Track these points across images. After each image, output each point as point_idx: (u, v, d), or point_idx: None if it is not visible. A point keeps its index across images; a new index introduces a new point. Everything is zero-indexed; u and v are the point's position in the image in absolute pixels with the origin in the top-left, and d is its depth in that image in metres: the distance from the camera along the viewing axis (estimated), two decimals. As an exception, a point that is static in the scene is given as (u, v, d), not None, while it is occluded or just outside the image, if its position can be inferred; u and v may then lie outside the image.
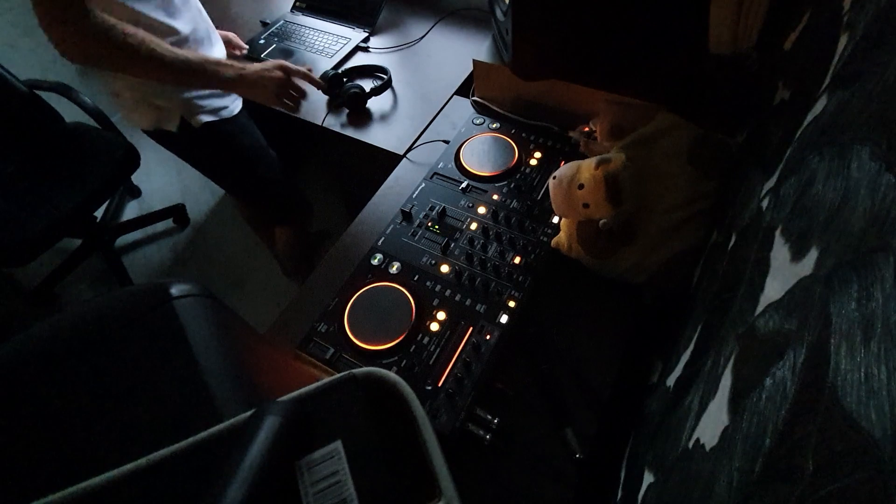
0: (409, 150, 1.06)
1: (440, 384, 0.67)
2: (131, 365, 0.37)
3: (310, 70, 1.09)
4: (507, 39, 0.86)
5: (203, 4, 1.05)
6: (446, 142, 1.00)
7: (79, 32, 0.73)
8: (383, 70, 1.22)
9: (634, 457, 0.62)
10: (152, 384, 0.37)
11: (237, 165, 1.20)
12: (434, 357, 0.70)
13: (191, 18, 0.97)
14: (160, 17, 0.90)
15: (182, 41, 0.94)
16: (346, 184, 1.49)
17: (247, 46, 1.30)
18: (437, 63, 1.26)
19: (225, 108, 1.09)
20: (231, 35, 1.26)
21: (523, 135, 0.97)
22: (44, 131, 1.59)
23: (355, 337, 0.72)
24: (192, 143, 1.08)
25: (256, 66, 0.98)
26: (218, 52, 1.08)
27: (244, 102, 1.16)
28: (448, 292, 0.76)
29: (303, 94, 1.08)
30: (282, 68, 1.01)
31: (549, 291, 0.79)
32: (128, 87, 0.97)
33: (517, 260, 0.79)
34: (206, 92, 1.03)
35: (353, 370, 0.36)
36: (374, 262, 0.81)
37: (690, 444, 0.41)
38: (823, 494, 0.22)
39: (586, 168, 0.72)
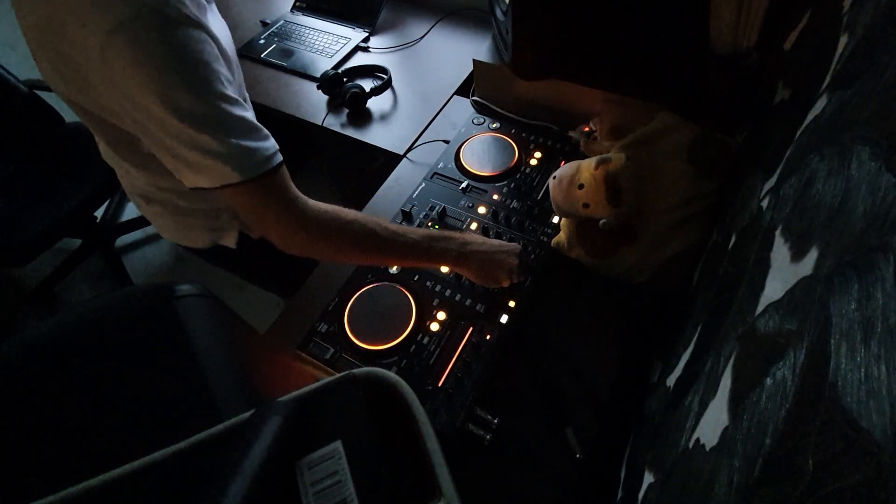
0: (409, 150, 1.06)
1: (440, 384, 0.67)
2: (132, 365, 0.37)
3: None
4: (507, 39, 0.86)
5: None
6: (446, 142, 1.00)
7: (300, 223, 0.63)
8: (383, 70, 1.22)
9: (634, 457, 0.62)
10: (153, 384, 0.37)
11: (290, 264, 1.12)
12: (434, 357, 0.70)
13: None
14: None
15: None
16: (347, 184, 1.49)
17: None
18: (437, 63, 1.26)
19: None
20: None
21: (523, 135, 0.97)
22: (44, 131, 1.59)
23: (355, 337, 0.72)
24: (251, 256, 0.93)
25: (485, 242, 0.75)
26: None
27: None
28: (448, 292, 0.76)
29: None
30: (520, 255, 0.77)
31: (549, 291, 0.79)
32: (189, 215, 0.87)
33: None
34: None
35: (353, 370, 0.36)
36: (374, 262, 0.81)
37: (690, 444, 0.41)
38: (823, 494, 0.22)
39: (586, 168, 0.72)
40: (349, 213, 0.67)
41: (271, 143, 0.62)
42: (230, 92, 0.57)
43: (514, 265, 0.74)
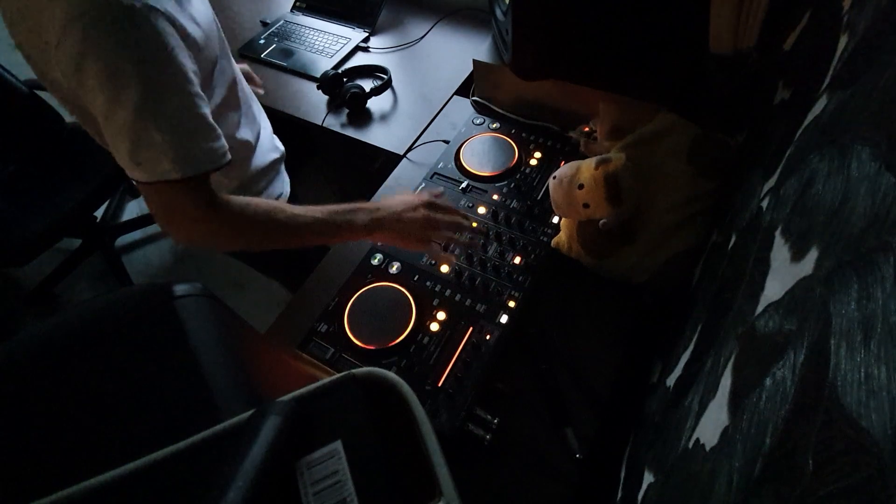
0: (409, 150, 1.06)
1: (440, 384, 0.67)
2: (132, 365, 0.37)
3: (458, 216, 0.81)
4: (507, 39, 0.86)
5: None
6: (446, 142, 1.00)
7: (217, 224, 0.63)
8: (383, 70, 1.22)
9: (634, 457, 0.62)
10: (153, 384, 0.37)
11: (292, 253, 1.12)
12: (434, 357, 0.70)
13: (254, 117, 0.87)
14: (244, 134, 0.83)
15: (255, 144, 0.87)
16: (347, 184, 1.49)
17: (261, 81, 1.07)
18: (437, 63, 1.26)
19: (281, 194, 0.99)
20: (245, 67, 1.06)
21: (523, 135, 0.97)
22: (44, 131, 1.59)
23: (355, 337, 0.72)
24: None
25: (395, 203, 0.75)
26: (264, 125, 0.96)
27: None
28: (448, 292, 0.76)
29: (455, 231, 0.79)
30: (428, 205, 0.76)
31: (549, 291, 0.79)
32: None
33: (517, 260, 0.79)
34: (265, 181, 0.93)
35: (353, 370, 0.36)
36: (374, 262, 0.81)
37: (690, 444, 0.41)
38: (823, 494, 0.22)
39: (586, 168, 0.72)
40: (249, 201, 0.67)
41: (221, 144, 0.62)
42: (189, 87, 0.58)
43: (426, 218, 0.74)
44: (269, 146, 0.95)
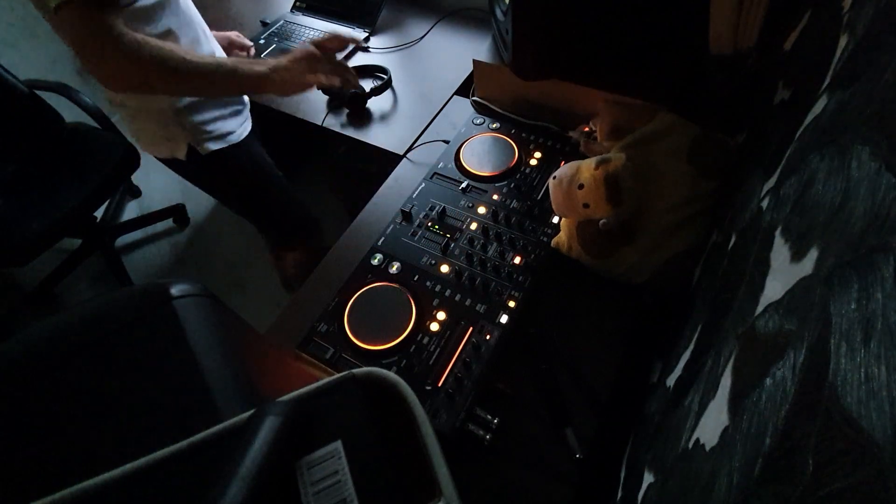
0: (409, 150, 1.06)
1: (440, 384, 0.67)
2: (131, 365, 0.37)
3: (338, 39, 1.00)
4: (507, 39, 0.86)
5: (203, 5, 1.04)
6: (446, 142, 1.00)
7: (118, 58, 0.71)
8: (383, 70, 1.22)
9: (634, 457, 0.62)
10: (152, 384, 0.37)
11: (246, 191, 1.19)
12: (434, 357, 0.70)
13: (183, 23, 0.93)
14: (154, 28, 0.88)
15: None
16: (346, 184, 1.49)
17: (251, 44, 1.23)
18: (437, 63, 1.26)
19: (232, 132, 1.07)
20: (234, 35, 1.20)
21: (523, 135, 0.97)
22: (44, 131, 1.59)
23: (355, 337, 0.72)
24: (201, 170, 1.07)
25: (286, 56, 0.90)
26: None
27: (253, 121, 1.14)
28: (448, 292, 0.76)
29: (342, 66, 0.98)
30: (312, 45, 0.94)
31: (549, 291, 0.79)
32: (146, 120, 0.98)
33: (517, 260, 0.79)
34: (214, 115, 1.02)
35: (353, 370, 0.36)
36: (374, 262, 0.81)
37: (690, 445, 0.41)
38: (823, 494, 0.22)
39: (586, 168, 0.72)
40: (149, 40, 0.75)
41: None
42: None
43: (311, 54, 0.91)
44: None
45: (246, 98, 1.12)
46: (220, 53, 1.04)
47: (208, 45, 0.99)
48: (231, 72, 0.84)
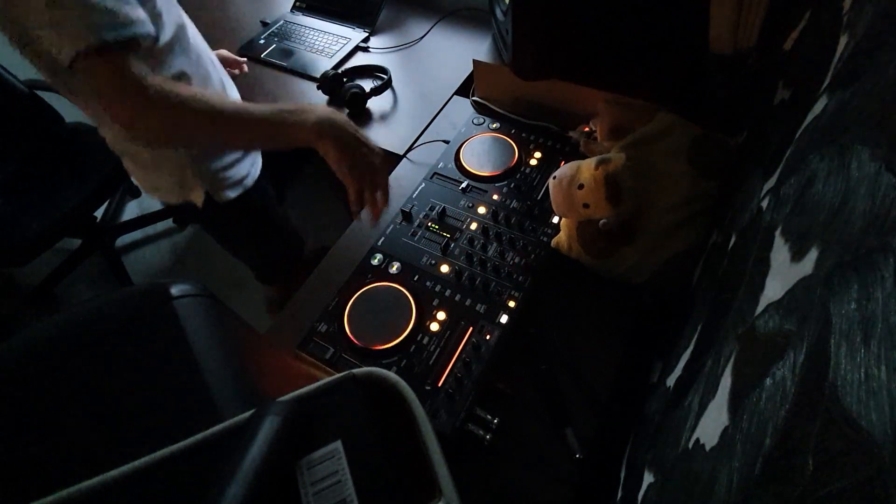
0: (409, 150, 1.06)
1: (440, 384, 0.67)
2: (131, 365, 0.37)
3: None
4: (507, 39, 0.86)
5: (203, 5, 1.03)
6: (446, 142, 1.00)
7: (142, 102, 0.62)
8: (383, 70, 1.22)
9: (634, 457, 0.62)
10: (152, 384, 0.37)
11: (254, 234, 1.15)
12: (434, 357, 0.70)
13: (194, 61, 0.83)
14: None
15: None
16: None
17: (243, 60, 1.11)
18: (437, 63, 1.26)
19: (247, 176, 1.00)
20: (224, 53, 1.09)
21: (523, 135, 0.97)
22: (44, 131, 1.59)
23: (355, 337, 0.72)
24: (216, 217, 1.01)
25: (324, 107, 0.75)
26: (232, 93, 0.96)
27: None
28: (448, 292, 0.76)
29: (380, 192, 0.78)
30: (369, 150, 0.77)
31: (549, 291, 0.79)
32: (158, 167, 0.90)
33: (517, 260, 0.79)
34: (231, 159, 0.94)
35: (353, 370, 0.36)
36: (374, 262, 0.81)
37: (690, 444, 0.41)
38: (823, 494, 0.22)
39: (586, 168, 0.72)
40: (183, 87, 0.66)
41: (140, 13, 0.63)
42: None
43: (354, 134, 0.74)
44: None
45: None
46: (228, 81, 0.96)
47: (217, 76, 0.90)
48: (287, 125, 0.70)
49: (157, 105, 0.63)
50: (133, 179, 0.99)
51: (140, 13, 0.64)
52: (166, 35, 0.73)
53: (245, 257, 1.29)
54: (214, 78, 0.89)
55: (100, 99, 0.63)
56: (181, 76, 0.78)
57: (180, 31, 0.77)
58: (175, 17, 0.76)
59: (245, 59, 1.13)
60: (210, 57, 0.90)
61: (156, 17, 0.70)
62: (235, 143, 0.75)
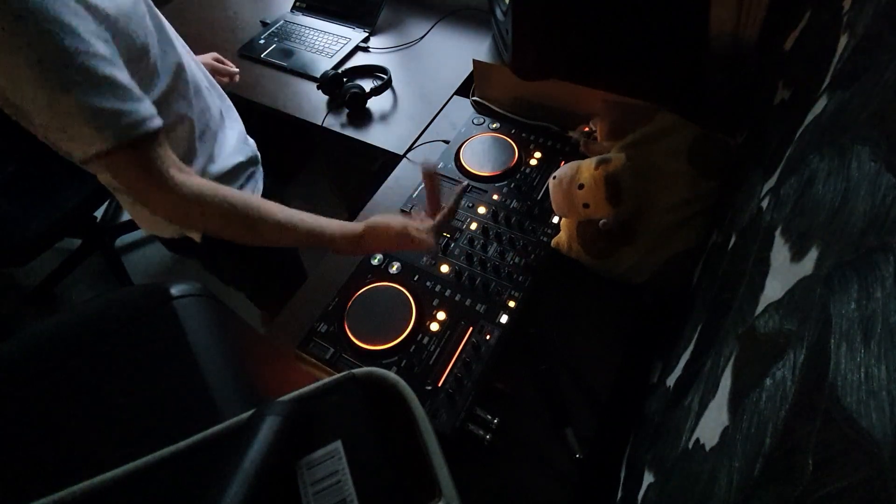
0: (409, 150, 1.06)
1: (440, 384, 0.67)
2: (131, 365, 0.37)
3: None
4: (507, 39, 0.86)
5: (203, 5, 1.01)
6: (446, 142, 1.00)
7: (173, 199, 0.61)
8: (383, 70, 1.22)
9: (634, 457, 0.62)
10: (152, 384, 0.37)
11: (262, 275, 1.10)
12: (434, 357, 0.70)
13: (192, 98, 0.78)
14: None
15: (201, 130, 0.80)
16: (346, 184, 1.49)
17: (236, 70, 1.05)
18: (437, 63, 1.26)
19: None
20: (212, 60, 1.02)
21: (523, 135, 0.97)
22: (44, 131, 1.58)
23: (355, 337, 0.72)
24: (215, 252, 0.97)
25: (392, 227, 0.73)
26: (231, 132, 0.90)
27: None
28: (448, 292, 0.76)
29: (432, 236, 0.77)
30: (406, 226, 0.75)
31: (549, 291, 0.79)
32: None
33: (517, 260, 0.79)
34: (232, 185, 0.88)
35: (353, 370, 0.36)
36: (374, 262, 0.81)
37: (690, 444, 0.41)
38: (823, 494, 0.22)
39: (586, 168, 0.72)
40: (212, 187, 0.63)
41: (146, 107, 0.59)
42: (91, 47, 0.54)
43: (403, 231, 0.73)
44: (233, 149, 0.87)
45: (257, 153, 0.96)
46: (219, 90, 0.89)
47: (215, 105, 0.85)
48: (317, 232, 0.69)
49: (191, 201, 0.61)
50: (128, 214, 0.91)
51: (146, 104, 0.59)
52: (163, 84, 0.69)
53: (245, 290, 1.23)
54: (213, 109, 0.84)
55: (129, 191, 0.62)
56: (182, 119, 0.75)
57: (178, 72, 0.72)
58: (172, 58, 0.71)
59: (237, 70, 1.06)
60: (206, 84, 0.84)
61: (152, 73, 0.66)
62: (268, 244, 0.71)
